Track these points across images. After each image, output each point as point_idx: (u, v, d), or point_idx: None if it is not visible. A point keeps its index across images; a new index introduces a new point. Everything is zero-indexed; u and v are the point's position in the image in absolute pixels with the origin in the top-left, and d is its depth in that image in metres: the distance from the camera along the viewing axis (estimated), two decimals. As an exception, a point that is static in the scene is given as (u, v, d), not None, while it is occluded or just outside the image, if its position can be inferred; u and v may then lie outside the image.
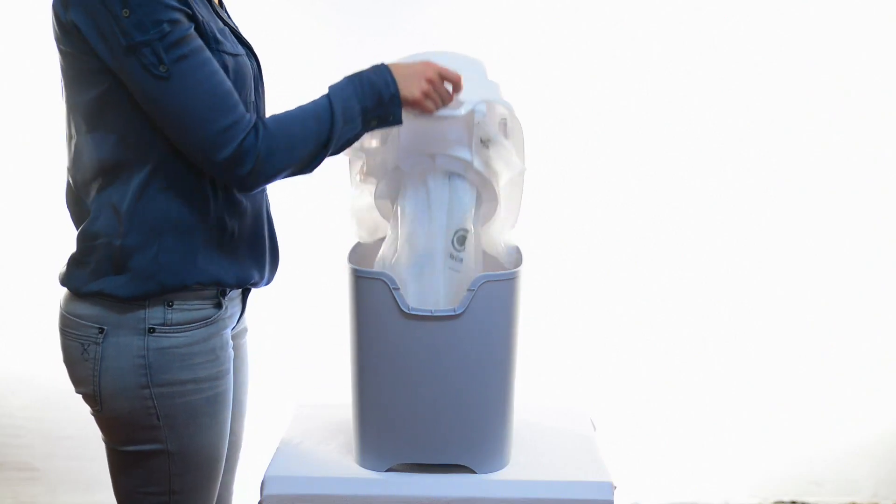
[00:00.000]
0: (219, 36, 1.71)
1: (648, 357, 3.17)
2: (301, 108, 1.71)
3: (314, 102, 1.72)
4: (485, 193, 1.94)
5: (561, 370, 3.13)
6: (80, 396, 1.79)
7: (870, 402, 3.22)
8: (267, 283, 1.91)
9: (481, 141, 1.88)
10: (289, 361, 3.08)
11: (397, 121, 1.76)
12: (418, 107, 1.77)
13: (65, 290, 1.77)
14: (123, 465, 1.80)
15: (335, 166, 1.96)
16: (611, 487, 1.90)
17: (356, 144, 1.85)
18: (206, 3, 1.74)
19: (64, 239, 1.83)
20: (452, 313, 1.82)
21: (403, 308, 1.82)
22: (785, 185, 3.11)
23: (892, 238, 3.15)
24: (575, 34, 3.01)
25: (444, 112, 1.80)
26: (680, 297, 3.15)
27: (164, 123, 1.64)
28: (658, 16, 3.02)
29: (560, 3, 3.01)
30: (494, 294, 1.82)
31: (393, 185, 1.95)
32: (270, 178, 1.69)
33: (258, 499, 1.91)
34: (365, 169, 1.97)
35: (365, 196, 2.02)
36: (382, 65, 1.76)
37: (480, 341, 1.84)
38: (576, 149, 3.07)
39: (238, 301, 1.89)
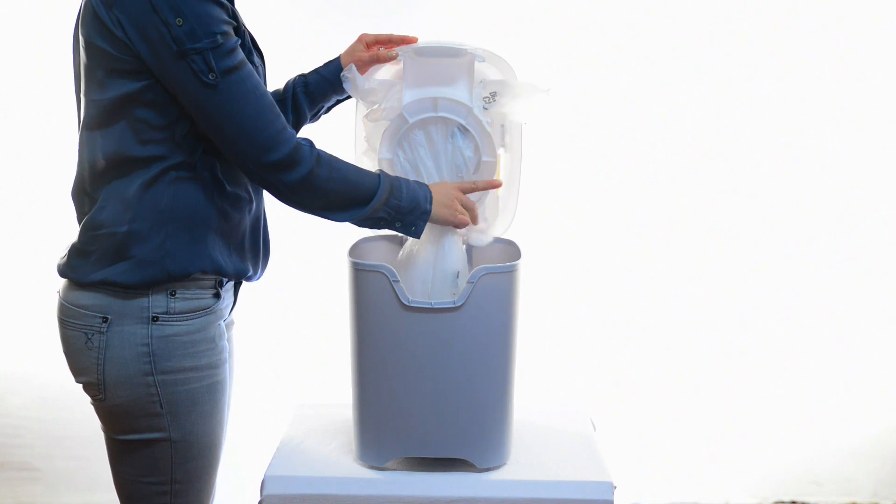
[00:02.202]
0: (248, 44, 1.77)
1: (648, 357, 3.17)
2: (356, 167, 1.81)
3: (369, 171, 1.83)
4: (485, 148, 1.96)
5: (561, 370, 3.13)
6: (79, 389, 1.80)
7: (870, 402, 3.22)
8: (258, 278, 1.94)
9: (487, 97, 1.96)
10: (289, 361, 3.08)
11: (417, 234, 1.87)
12: (448, 224, 1.90)
13: (64, 280, 1.79)
14: (125, 455, 1.81)
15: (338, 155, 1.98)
16: (611, 487, 1.90)
17: (368, 83, 1.95)
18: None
19: (62, 238, 1.84)
20: (452, 305, 1.82)
21: (403, 301, 1.82)
22: (785, 184, 3.11)
23: (893, 238, 3.15)
24: (574, 33, 3.02)
25: (444, 52, 1.91)
26: (680, 297, 3.15)
27: (209, 127, 1.69)
28: (658, 15, 3.02)
29: (560, 2, 3.01)
30: (494, 286, 1.83)
31: (396, 138, 1.98)
32: (314, 196, 1.76)
33: (258, 499, 1.91)
34: (373, 115, 2.00)
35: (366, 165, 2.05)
36: (425, 185, 1.89)
37: (480, 333, 1.85)
38: (576, 145, 3.07)
39: (231, 293, 1.92)
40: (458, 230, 1.95)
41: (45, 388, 3.08)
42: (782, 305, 3.16)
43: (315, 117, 2.12)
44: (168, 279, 1.73)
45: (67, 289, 1.78)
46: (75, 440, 3.11)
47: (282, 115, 1.72)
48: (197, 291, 1.78)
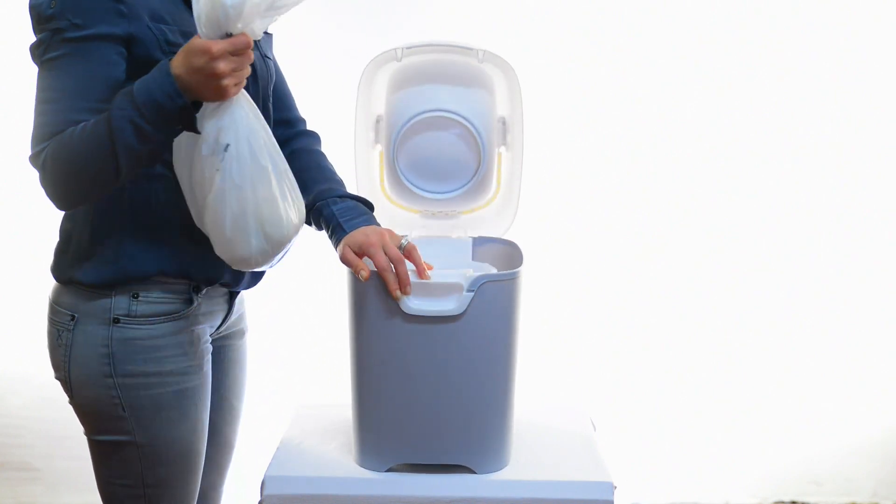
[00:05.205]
0: (171, 38, 1.65)
1: (648, 357, 3.17)
2: (94, 125, 1.58)
3: (99, 122, 1.58)
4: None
5: (561, 370, 3.13)
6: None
7: (870, 402, 3.22)
8: (247, 287, 1.90)
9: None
10: (288, 362, 3.08)
11: (193, 129, 1.59)
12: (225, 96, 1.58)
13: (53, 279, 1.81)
14: (99, 455, 1.82)
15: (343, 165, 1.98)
16: (611, 487, 1.90)
17: None
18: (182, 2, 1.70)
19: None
20: (452, 314, 1.82)
21: (403, 309, 1.82)
22: (785, 184, 3.11)
23: (893, 238, 3.15)
24: (575, 33, 3.02)
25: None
26: (680, 297, 3.15)
27: None
28: (658, 15, 3.02)
29: (560, 2, 3.01)
30: (495, 295, 1.82)
31: None
32: (58, 192, 1.62)
33: (258, 499, 1.91)
34: None
35: None
36: (169, 76, 1.55)
37: (481, 342, 1.84)
38: (577, 148, 3.07)
39: (222, 301, 1.88)
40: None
41: (45, 388, 3.05)
42: (782, 306, 3.16)
43: None
44: (128, 280, 1.71)
45: (53, 287, 1.80)
46: (75, 440, 3.08)
47: (69, 121, 1.58)
48: (163, 295, 1.75)
